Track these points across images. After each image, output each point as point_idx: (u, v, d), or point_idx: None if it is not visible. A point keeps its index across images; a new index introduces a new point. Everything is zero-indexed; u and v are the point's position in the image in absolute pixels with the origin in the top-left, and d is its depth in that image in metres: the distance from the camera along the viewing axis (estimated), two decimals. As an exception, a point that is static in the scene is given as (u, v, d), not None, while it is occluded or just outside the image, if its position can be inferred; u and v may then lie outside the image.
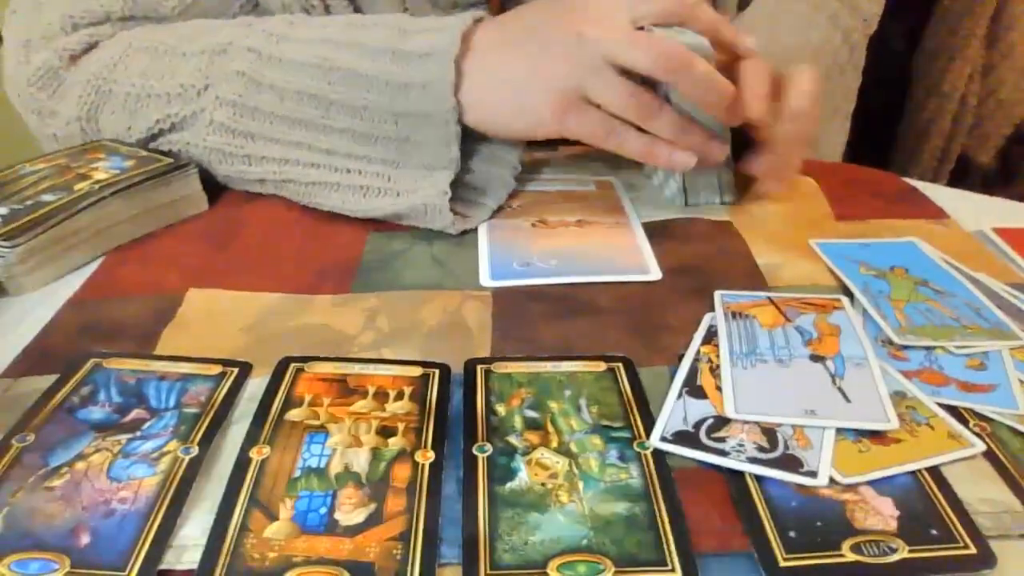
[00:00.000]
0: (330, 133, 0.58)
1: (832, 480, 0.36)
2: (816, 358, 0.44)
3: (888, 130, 1.05)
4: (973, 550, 0.33)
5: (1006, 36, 0.96)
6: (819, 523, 0.34)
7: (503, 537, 0.34)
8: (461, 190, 0.59)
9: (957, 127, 0.99)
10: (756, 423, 0.39)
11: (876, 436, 0.39)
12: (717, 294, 0.50)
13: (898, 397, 0.41)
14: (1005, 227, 0.58)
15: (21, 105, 0.68)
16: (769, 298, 0.49)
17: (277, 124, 0.59)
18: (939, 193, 0.65)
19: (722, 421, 0.40)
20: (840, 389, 0.42)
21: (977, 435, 0.39)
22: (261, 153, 0.60)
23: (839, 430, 0.39)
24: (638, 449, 0.38)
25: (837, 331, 0.46)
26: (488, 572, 0.32)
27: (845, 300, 0.49)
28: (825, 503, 0.35)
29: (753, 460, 0.37)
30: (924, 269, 0.52)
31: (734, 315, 0.47)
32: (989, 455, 0.38)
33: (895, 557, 0.33)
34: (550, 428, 0.39)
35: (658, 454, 0.38)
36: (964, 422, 0.40)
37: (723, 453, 0.38)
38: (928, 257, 0.54)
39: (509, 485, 0.36)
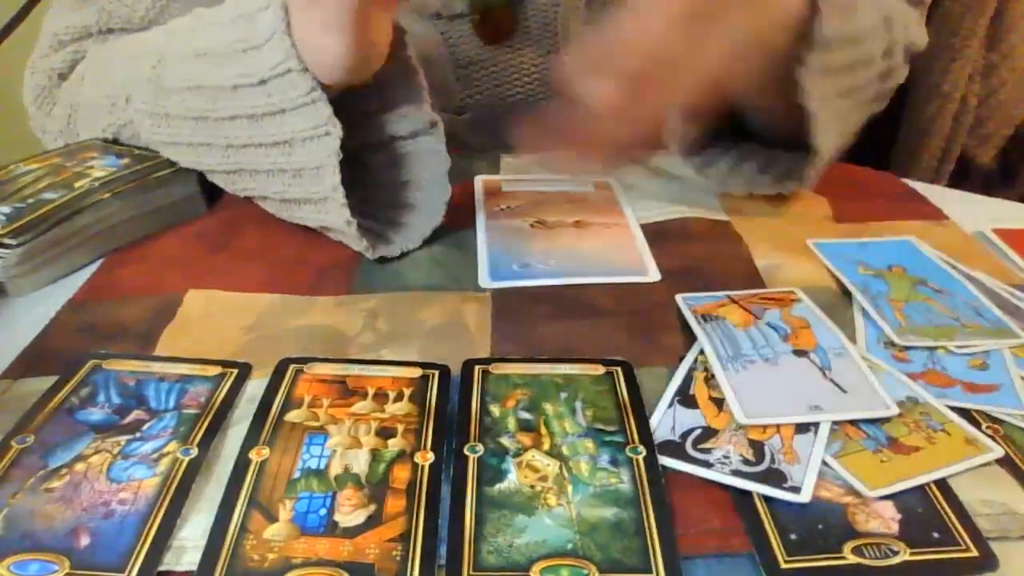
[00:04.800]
0: (226, 128, 0.54)
1: (857, 494, 0.36)
2: (799, 352, 0.44)
3: (888, 130, 1.05)
4: (975, 553, 0.33)
5: (1007, 37, 0.96)
6: (820, 525, 0.34)
7: (488, 538, 0.34)
8: (388, 211, 0.57)
9: (957, 128, 0.98)
10: (762, 427, 0.39)
11: (895, 445, 0.38)
12: (679, 298, 0.49)
13: (910, 403, 0.41)
14: (1005, 228, 0.58)
15: (32, 124, 0.72)
16: (729, 296, 0.49)
17: (183, 125, 0.56)
18: (938, 194, 0.65)
19: (710, 432, 0.39)
20: (833, 381, 0.42)
21: (991, 438, 0.39)
22: (186, 156, 0.58)
23: (854, 440, 0.38)
24: (630, 454, 0.38)
25: (806, 323, 0.46)
26: (471, 573, 0.32)
27: (799, 291, 0.49)
28: (826, 505, 0.35)
29: (736, 473, 0.37)
30: (922, 267, 0.52)
31: (704, 318, 0.47)
32: (1002, 458, 0.38)
33: (896, 560, 0.33)
34: (543, 430, 0.39)
35: (650, 460, 0.37)
36: (976, 424, 0.40)
37: (707, 465, 0.37)
38: (925, 255, 0.54)
39: (498, 486, 0.36)
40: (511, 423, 0.40)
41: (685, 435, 0.39)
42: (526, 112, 0.71)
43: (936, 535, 0.34)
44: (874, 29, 0.60)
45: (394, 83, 0.55)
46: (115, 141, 0.64)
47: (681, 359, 0.45)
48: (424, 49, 0.68)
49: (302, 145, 0.50)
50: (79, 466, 0.37)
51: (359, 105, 0.56)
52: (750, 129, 0.63)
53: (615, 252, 0.56)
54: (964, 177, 1.02)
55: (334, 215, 0.52)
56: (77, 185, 0.56)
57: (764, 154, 0.63)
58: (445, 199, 0.57)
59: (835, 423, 0.39)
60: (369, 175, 0.58)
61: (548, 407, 0.41)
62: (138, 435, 0.39)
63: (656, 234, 0.58)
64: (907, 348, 0.45)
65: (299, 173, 0.52)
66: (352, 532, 0.34)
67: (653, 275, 0.53)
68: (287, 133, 0.51)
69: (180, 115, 0.55)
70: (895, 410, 0.40)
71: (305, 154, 0.51)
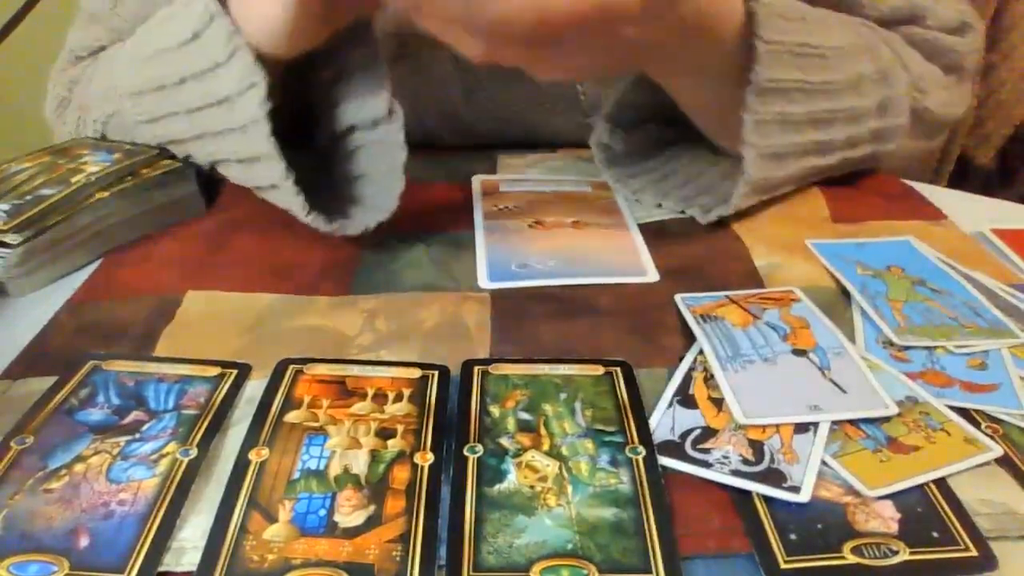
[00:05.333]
0: (182, 94, 0.55)
1: (856, 494, 0.36)
2: (798, 352, 0.44)
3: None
4: (974, 552, 0.33)
5: (1006, 37, 0.96)
6: (820, 525, 0.34)
7: (488, 539, 0.34)
8: (339, 204, 0.57)
9: (957, 128, 0.98)
10: (761, 427, 0.39)
11: (894, 444, 0.38)
12: (678, 298, 0.50)
13: (909, 403, 0.41)
14: (1004, 228, 0.58)
15: (54, 136, 0.73)
16: (728, 296, 0.49)
17: (152, 98, 0.57)
18: (937, 194, 0.65)
19: (709, 432, 0.39)
20: (832, 381, 0.42)
21: (990, 437, 0.39)
22: (161, 131, 0.59)
23: (853, 440, 0.39)
24: (630, 454, 0.38)
25: (805, 323, 0.46)
26: (471, 573, 0.32)
27: (798, 291, 0.50)
28: (826, 505, 0.35)
29: (736, 473, 0.37)
30: (920, 268, 0.53)
31: (704, 318, 0.47)
32: (1002, 457, 0.38)
33: (896, 559, 0.33)
34: (543, 431, 0.39)
35: (650, 460, 0.37)
36: (976, 424, 0.40)
37: (707, 465, 0.37)
38: (924, 256, 0.54)
39: (498, 487, 0.36)
40: (511, 423, 0.40)
41: (684, 435, 0.39)
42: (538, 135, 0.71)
43: (935, 535, 0.34)
44: (857, 83, 0.59)
45: (358, 69, 0.54)
46: (103, 138, 0.65)
47: (680, 359, 0.45)
48: (432, 72, 0.68)
49: (238, 100, 0.51)
50: (78, 467, 0.37)
51: (327, 95, 0.56)
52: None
53: (614, 252, 0.56)
54: (963, 177, 1.02)
55: (273, 171, 0.51)
56: (73, 180, 0.56)
57: (689, 173, 0.63)
58: (398, 191, 0.54)
59: (834, 423, 0.39)
60: (330, 169, 0.58)
61: (548, 407, 0.41)
62: (137, 436, 0.39)
63: (655, 234, 0.58)
64: (906, 348, 0.45)
65: (244, 129, 0.52)
66: (352, 533, 0.34)
67: (652, 275, 0.53)
68: (225, 89, 0.51)
69: (149, 88, 0.56)
70: (894, 409, 0.40)
71: (243, 110, 0.51)
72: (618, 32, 0.44)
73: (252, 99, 0.50)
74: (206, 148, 0.57)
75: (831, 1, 0.63)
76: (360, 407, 0.41)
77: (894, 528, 0.34)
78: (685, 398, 0.42)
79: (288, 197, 0.53)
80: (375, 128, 0.56)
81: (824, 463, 0.37)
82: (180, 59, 0.53)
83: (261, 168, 0.53)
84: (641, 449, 0.38)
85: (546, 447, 0.38)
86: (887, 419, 0.40)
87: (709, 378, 0.43)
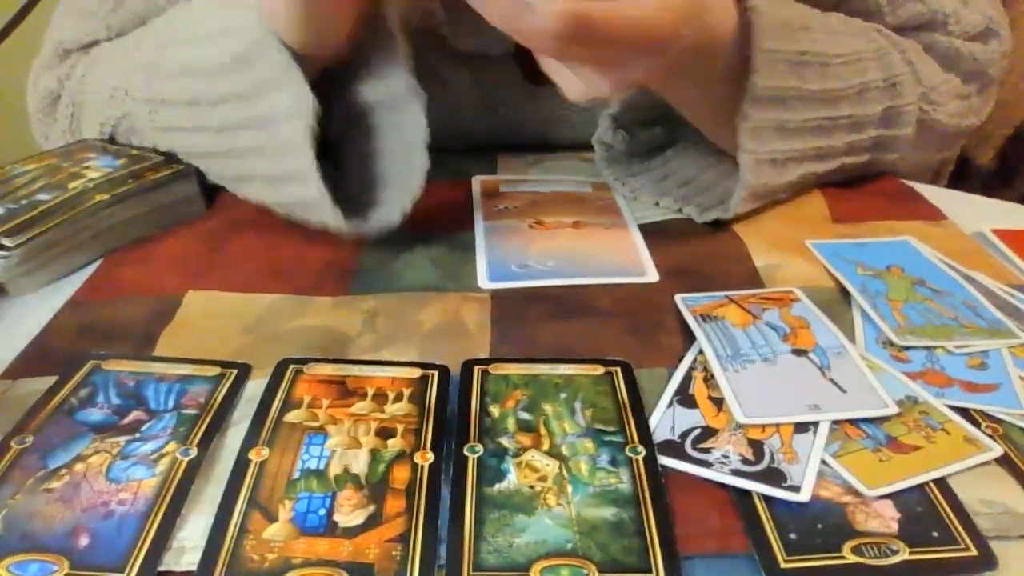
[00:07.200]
0: (219, 111, 0.54)
1: (856, 493, 0.36)
2: (798, 352, 0.44)
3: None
4: (974, 552, 0.33)
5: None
6: (820, 525, 0.34)
7: (488, 538, 0.34)
8: (362, 194, 0.56)
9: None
10: (761, 427, 0.39)
11: (894, 444, 0.38)
12: (678, 298, 0.50)
13: (909, 403, 0.41)
14: (1004, 228, 0.58)
15: (35, 131, 0.72)
16: (728, 296, 0.49)
17: (178, 110, 0.57)
18: (937, 194, 0.65)
19: (709, 432, 0.39)
20: (832, 380, 0.42)
21: (990, 437, 0.39)
22: (180, 141, 0.59)
23: (853, 440, 0.39)
24: (630, 454, 0.38)
25: (805, 323, 0.46)
26: (471, 573, 0.32)
27: (798, 291, 0.50)
28: (826, 505, 0.35)
29: (736, 472, 0.37)
30: (920, 268, 0.53)
31: (704, 318, 0.47)
32: (1001, 457, 0.38)
33: (896, 559, 0.33)
34: (543, 430, 0.39)
35: (650, 460, 0.37)
36: (976, 424, 0.40)
37: (707, 464, 0.37)
38: (923, 256, 0.54)
39: (497, 486, 0.36)
40: (511, 423, 0.40)
41: (684, 435, 0.39)
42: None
43: (935, 534, 0.34)
44: (861, 91, 0.58)
45: (371, 48, 0.54)
46: (112, 140, 0.64)
47: (680, 359, 0.45)
48: (450, 90, 0.67)
49: (285, 122, 0.51)
50: (78, 466, 0.37)
51: (344, 78, 0.56)
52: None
53: (614, 253, 0.56)
54: (963, 177, 1.02)
55: (312, 187, 0.51)
56: (71, 186, 0.56)
57: (688, 173, 0.63)
58: (423, 169, 0.54)
59: (834, 422, 0.39)
60: (346, 154, 0.57)
61: (547, 407, 0.41)
62: (137, 435, 0.39)
63: (655, 234, 0.58)
64: (906, 348, 0.45)
65: (283, 149, 0.51)
66: (352, 532, 0.34)
67: (652, 275, 0.53)
68: (270, 110, 0.51)
69: (175, 100, 0.56)
70: (894, 409, 0.40)
71: (290, 130, 0.50)
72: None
73: (300, 122, 0.50)
74: (230, 164, 0.56)
75: (850, 7, 0.64)
76: (360, 407, 0.41)
77: (894, 528, 0.34)
78: (685, 398, 0.42)
79: (321, 212, 0.52)
80: (393, 106, 0.55)
81: (824, 463, 0.37)
82: (223, 78, 0.52)
83: (293, 186, 0.52)
84: (641, 449, 0.38)
85: (546, 447, 0.38)
86: (887, 419, 0.40)
87: (709, 378, 0.43)
